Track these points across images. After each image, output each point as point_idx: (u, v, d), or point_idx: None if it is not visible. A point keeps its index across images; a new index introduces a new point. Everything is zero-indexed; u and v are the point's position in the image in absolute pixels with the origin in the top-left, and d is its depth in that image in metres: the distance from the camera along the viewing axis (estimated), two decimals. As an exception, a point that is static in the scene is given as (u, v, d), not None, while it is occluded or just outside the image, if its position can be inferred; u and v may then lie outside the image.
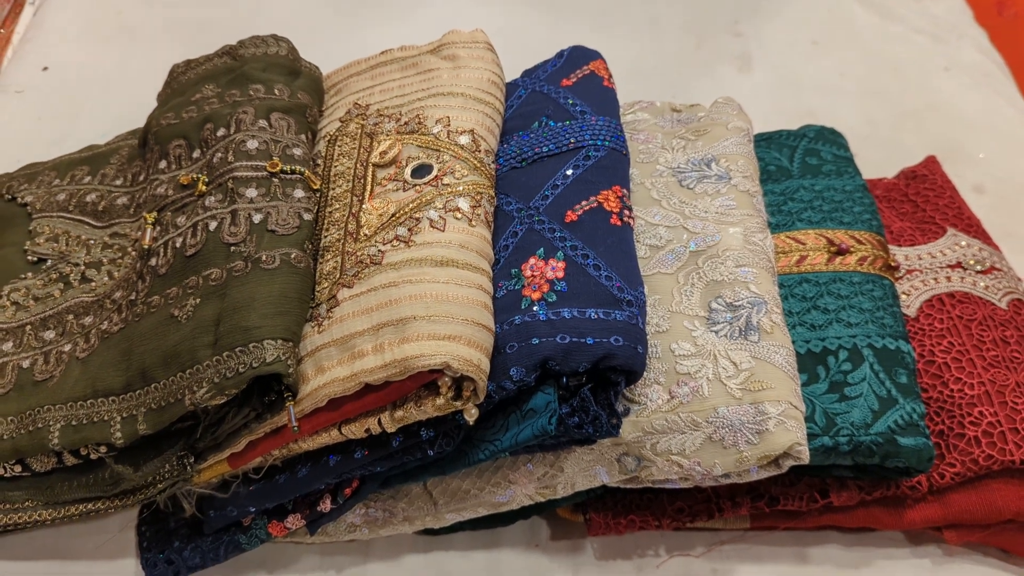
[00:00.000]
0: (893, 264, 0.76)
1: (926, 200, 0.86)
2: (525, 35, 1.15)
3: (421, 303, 0.59)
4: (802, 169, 0.83)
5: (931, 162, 0.90)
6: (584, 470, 0.65)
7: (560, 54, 0.81)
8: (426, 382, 0.58)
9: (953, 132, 1.07)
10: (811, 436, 0.64)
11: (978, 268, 0.78)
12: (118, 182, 0.78)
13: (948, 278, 0.78)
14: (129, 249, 0.72)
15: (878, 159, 0.98)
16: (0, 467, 0.64)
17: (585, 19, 1.19)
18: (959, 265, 0.79)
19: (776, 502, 0.69)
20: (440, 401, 0.58)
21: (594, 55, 0.80)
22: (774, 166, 0.83)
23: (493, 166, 0.71)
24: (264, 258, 0.62)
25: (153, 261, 0.67)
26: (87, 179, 0.79)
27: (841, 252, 0.75)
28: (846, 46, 1.17)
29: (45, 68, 1.11)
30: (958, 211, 0.84)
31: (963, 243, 0.80)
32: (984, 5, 1.24)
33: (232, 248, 0.64)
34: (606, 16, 1.20)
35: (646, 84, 1.09)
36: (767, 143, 0.86)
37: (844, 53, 1.16)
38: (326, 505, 0.65)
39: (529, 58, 0.85)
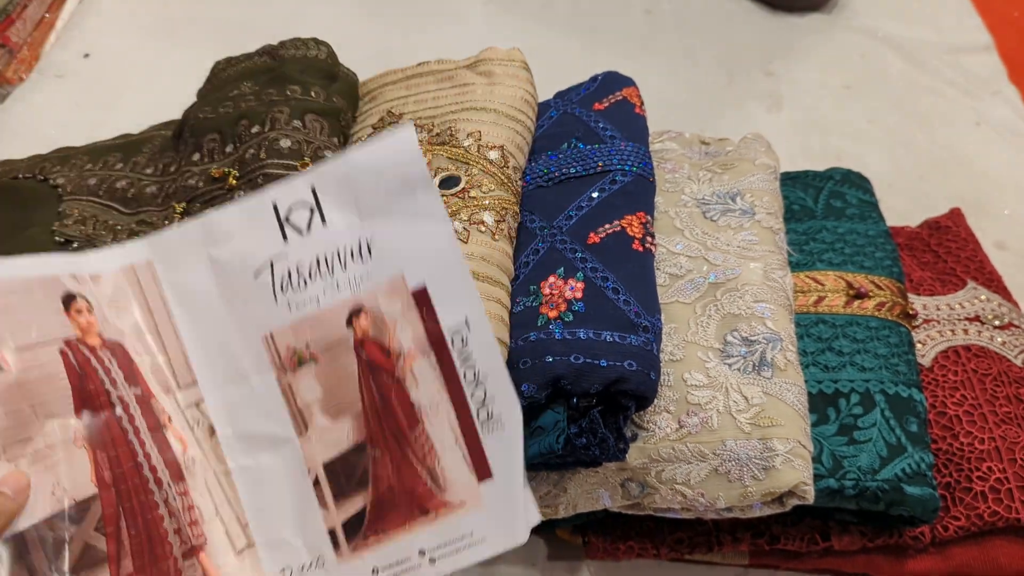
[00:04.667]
0: (911, 312, 0.76)
1: (948, 252, 0.86)
2: (560, 56, 1.16)
3: (439, 313, 0.59)
4: (826, 210, 0.83)
5: (956, 214, 0.90)
6: (587, 492, 0.65)
7: (594, 78, 0.81)
8: (438, 391, 0.58)
9: (979, 187, 1.07)
10: (817, 477, 0.64)
11: (996, 323, 0.78)
12: (148, 171, 0.79)
13: (965, 331, 0.77)
14: (155, 237, 0.73)
15: (902, 207, 0.98)
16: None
17: (620, 45, 1.20)
18: (977, 319, 0.78)
19: (776, 540, 0.68)
20: (450, 411, 0.58)
21: (627, 81, 0.81)
22: (798, 205, 0.84)
23: (520, 183, 0.71)
24: (288, 256, 0.63)
25: (178, 251, 0.68)
26: (119, 166, 0.80)
27: (860, 296, 0.75)
28: (877, 93, 1.17)
29: (86, 55, 1.13)
30: (980, 265, 0.84)
31: (983, 297, 0.80)
32: (1020, 64, 1.24)
33: (257, 244, 0.64)
34: (641, 44, 1.21)
35: (675, 114, 1.10)
36: (792, 182, 0.86)
37: (875, 100, 1.17)
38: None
39: (562, 79, 0.85)
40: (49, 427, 0.52)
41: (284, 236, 0.56)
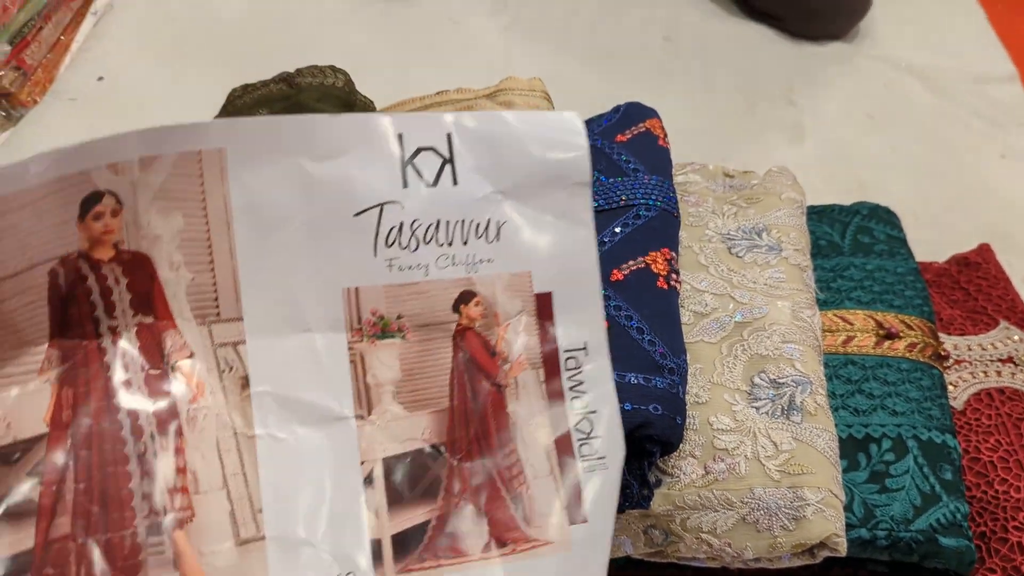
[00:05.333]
0: (943, 353, 0.73)
1: (979, 289, 0.83)
2: (577, 84, 1.14)
3: (459, 352, 0.57)
4: (854, 247, 0.81)
5: (985, 250, 0.88)
6: (608, 539, 0.63)
7: (616, 109, 0.80)
8: (456, 433, 0.56)
9: (1006, 220, 1.05)
10: (848, 527, 0.61)
11: (1030, 365, 0.75)
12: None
13: (998, 372, 0.75)
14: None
15: (927, 240, 0.95)
16: None
17: (638, 73, 1.19)
18: (1010, 360, 0.76)
19: (805, 591, 0.66)
20: (469, 455, 0.55)
21: (650, 113, 0.79)
22: (825, 241, 0.82)
23: (541, 217, 0.69)
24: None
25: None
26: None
27: (890, 336, 0.72)
28: (902, 123, 1.16)
29: (100, 78, 1.12)
30: (1012, 304, 0.81)
31: (1015, 337, 0.78)
32: (1046, 94, 1.22)
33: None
34: (660, 71, 1.19)
35: (695, 144, 1.07)
36: (818, 217, 0.84)
37: (899, 130, 1.15)
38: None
39: (579, 106, 0.83)
40: (14, 356, 0.42)
41: (405, 181, 0.45)
